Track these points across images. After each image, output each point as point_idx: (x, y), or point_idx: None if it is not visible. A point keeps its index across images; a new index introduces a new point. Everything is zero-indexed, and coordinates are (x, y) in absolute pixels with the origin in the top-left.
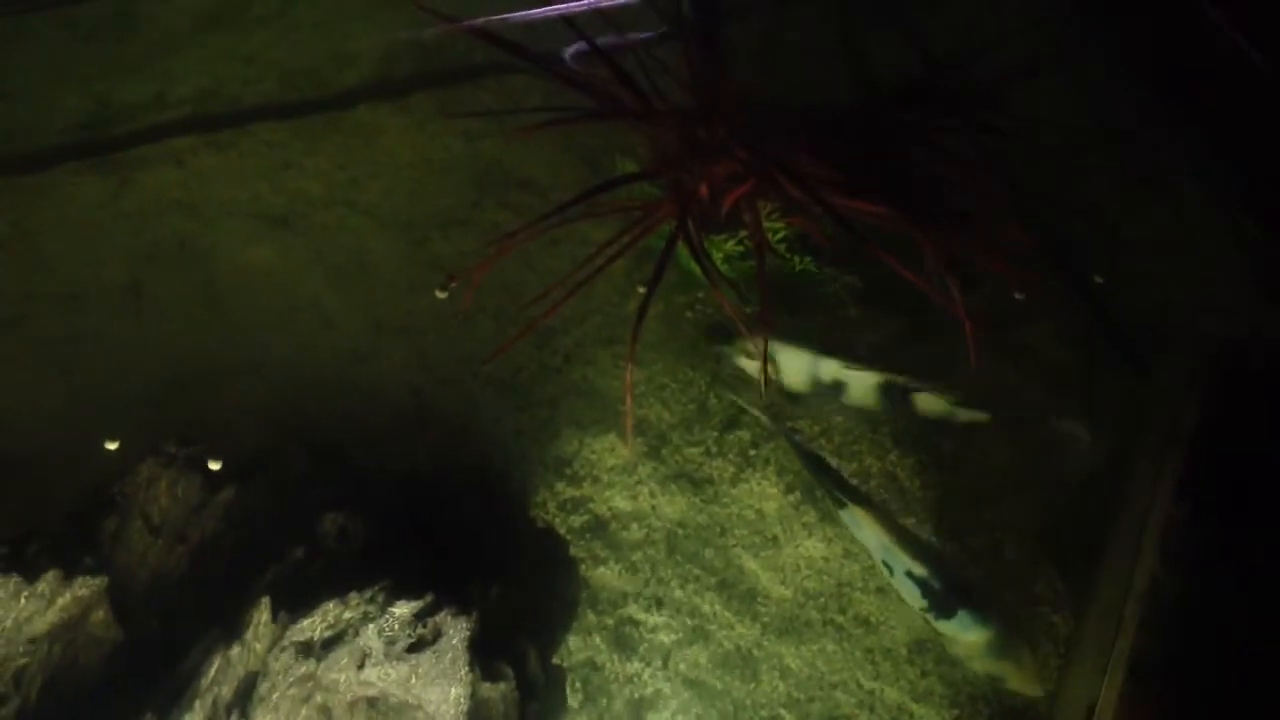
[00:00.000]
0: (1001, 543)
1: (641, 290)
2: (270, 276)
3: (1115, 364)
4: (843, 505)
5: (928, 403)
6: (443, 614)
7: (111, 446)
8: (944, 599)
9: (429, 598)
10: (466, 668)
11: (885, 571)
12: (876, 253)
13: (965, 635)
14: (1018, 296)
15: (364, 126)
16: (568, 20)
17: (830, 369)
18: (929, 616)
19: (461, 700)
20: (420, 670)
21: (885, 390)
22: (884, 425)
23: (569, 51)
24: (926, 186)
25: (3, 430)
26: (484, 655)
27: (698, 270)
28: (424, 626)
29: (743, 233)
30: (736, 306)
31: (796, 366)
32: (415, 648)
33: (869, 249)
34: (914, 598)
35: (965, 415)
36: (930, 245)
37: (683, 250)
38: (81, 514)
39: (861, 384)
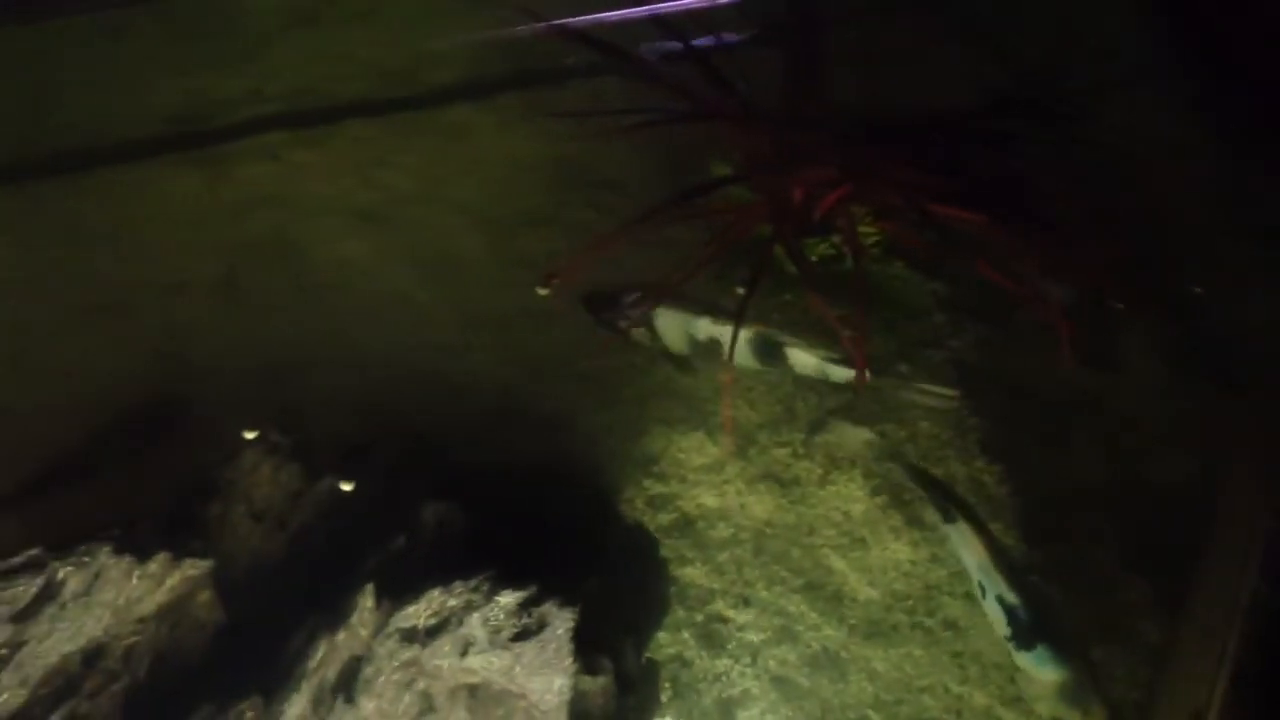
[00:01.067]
0: (1088, 550)
1: (740, 291)
2: (361, 271)
3: (1206, 377)
4: (952, 520)
5: (800, 358)
6: (548, 605)
7: (250, 436)
8: (1028, 631)
9: (533, 588)
10: (570, 658)
11: (978, 591)
12: (973, 260)
13: (1040, 672)
14: (1117, 307)
15: (453, 125)
16: (660, 21)
17: (704, 327)
18: (1010, 645)
19: (564, 690)
20: (524, 660)
21: (757, 345)
22: (971, 431)
23: (657, 52)
24: (1017, 195)
25: (103, 416)
26: (584, 647)
27: (791, 272)
28: (529, 616)
29: (834, 236)
30: (829, 310)
31: (672, 327)
32: (520, 637)
33: (967, 256)
34: (1000, 623)
35: (836, 373)
36: (1027, 253)
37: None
38: (186, 498)
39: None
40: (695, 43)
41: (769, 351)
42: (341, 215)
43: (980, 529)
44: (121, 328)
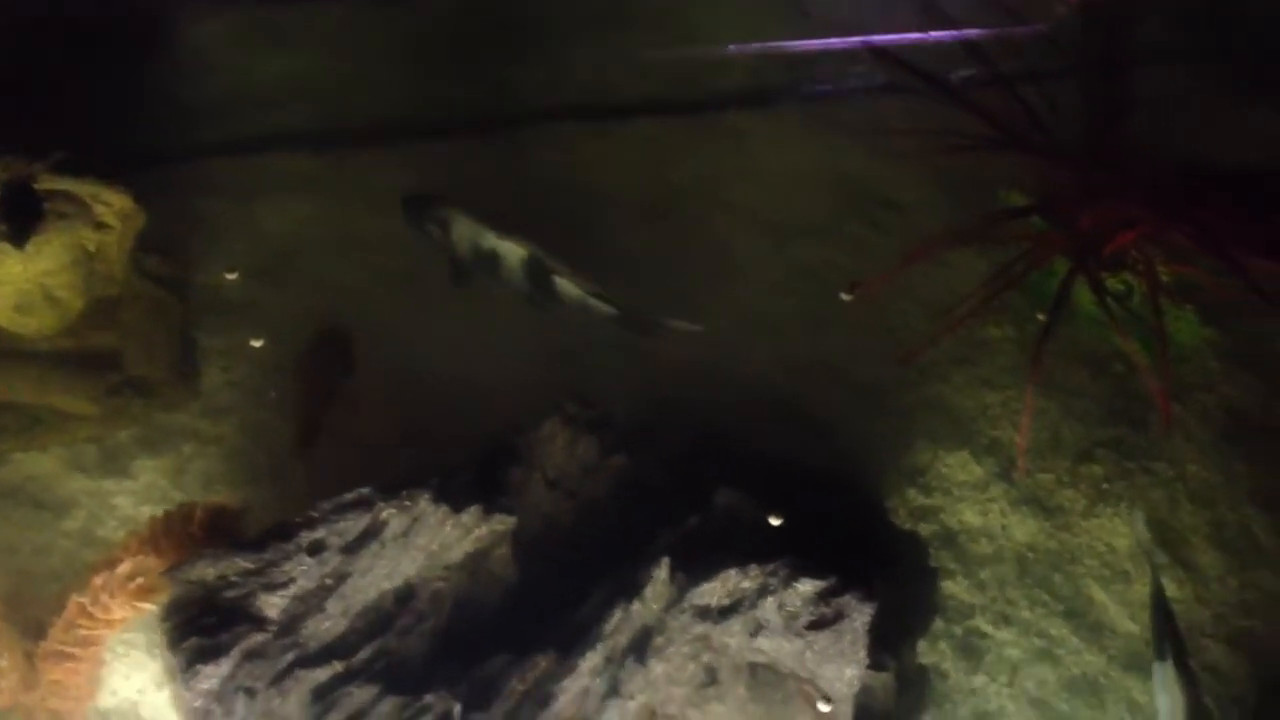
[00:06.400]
0: None
1: (1041, 317)
2: (644, 262)
3: None
4: (1163, 657)
5: (565, 288)
6: (848, 596)
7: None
8: None
9: (833, 579)
10: (864, 651)
11: None
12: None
13: None
14: None
15: (733, 131)
16: (970, 47)
17: (488, 238)
18: None
19: (855, 681)
20: (816, 647)
21: (528, 266)
22: (1240, 478)
23: (957, 76)
24: None
25: (405, 379)
26: (872, 643)
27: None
28: (826, 606)
29: (1125, 273)
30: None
31: (464, 234)
32: (815, 625)
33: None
34: None
35: (596, 306)
36: None
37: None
38: (489, 460)
39: (510, 256)
40: (1001, 70)
41: (538, 277)
42: (626, 207)
43: (1189, 680)
44: (413, 298)
